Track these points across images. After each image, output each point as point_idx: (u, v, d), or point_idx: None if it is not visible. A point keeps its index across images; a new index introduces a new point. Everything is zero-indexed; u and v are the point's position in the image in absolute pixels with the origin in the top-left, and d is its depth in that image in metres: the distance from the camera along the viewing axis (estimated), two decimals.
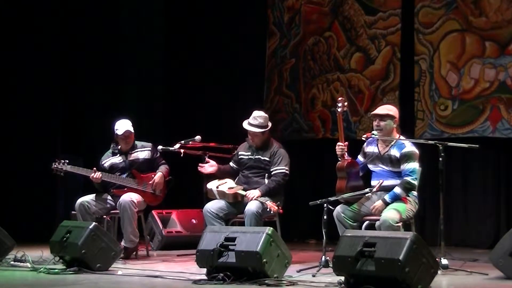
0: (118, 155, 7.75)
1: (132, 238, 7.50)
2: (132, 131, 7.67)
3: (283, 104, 10.00)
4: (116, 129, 7.65)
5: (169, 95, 10.80)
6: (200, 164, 7.38)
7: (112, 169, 7.69)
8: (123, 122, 7.68)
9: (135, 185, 7.63)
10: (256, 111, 7.29)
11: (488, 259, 6.19)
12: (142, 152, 7.78)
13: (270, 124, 7.31)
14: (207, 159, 7.38)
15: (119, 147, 7.76)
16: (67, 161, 7.62)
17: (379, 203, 6.39)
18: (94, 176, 7.48)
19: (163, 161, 7.82)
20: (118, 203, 7.47)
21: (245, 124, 7.26)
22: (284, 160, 7.23)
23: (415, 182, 6.42)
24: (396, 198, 6.37)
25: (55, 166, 7.58)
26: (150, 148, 7.82)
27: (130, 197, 7.46)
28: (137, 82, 10.60)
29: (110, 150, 7.79)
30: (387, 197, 6.38)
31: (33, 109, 9.87)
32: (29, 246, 7.47)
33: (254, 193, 7.00)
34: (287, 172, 7.22)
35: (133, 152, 7.76)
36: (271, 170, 7.23)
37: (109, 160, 7.75)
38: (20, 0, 9.91)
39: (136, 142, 7.80)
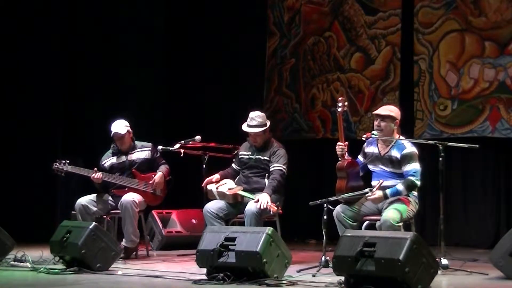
0: (118, 155, 7.76)
1: (132, 238, 7.50)
2: (123, 132, 7.63)
3: (283, 104, 10.01)
4: (110, 130, 7.67)
5: (169, 95, 10.81)
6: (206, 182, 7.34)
7: (112, 169, 7.70)
8: (116, 123, 7.68)
9: (135, 185, 7.63)
10: (252, 112, 7.28)
11: (488, 259, 6.19)
12: (142, 152, 7.79)
13: (268, 122, 7.31)
14: (207, 180, 7.33)
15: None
16: (68, 161, 7.63)
17: (378, 193, 6.36)
18: (95, 177, 7.48)
19: (163, 161, 7.83)
20: (119, 203, 7.48)
21: (244, 127, 7.24)
22: (282, 159, 7.20)
23: (419, 183, 6.41)
24: (397, 194, 6.36)
25: (56, 166, 7.58)
26: (150, 148, 7.82)
27: (132, 197, 7.46)
28: (137, 82, 10.60)
29: (110, 150, 7.80)
30: (388, 191, 6.36)
31: (33, 109, 9.86)
32: (29, 246, 7.46)
33: (264, 199, 6.86)
34: (284, 169, 7.16)
35: (133, 152, 7.77)
36: (270, 168, 7.22)
37: (109, 160, 7.76)
38: (20, 0, 9.91)
39: (136, 142, 7.81)
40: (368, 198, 6.39)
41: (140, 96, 10.59)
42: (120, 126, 7.65)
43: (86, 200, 7.52)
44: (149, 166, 7.77)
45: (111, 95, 10.28)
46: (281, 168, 7.16)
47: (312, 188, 9.54)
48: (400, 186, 6.38)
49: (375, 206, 6.50)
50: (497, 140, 8.45)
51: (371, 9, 9.38)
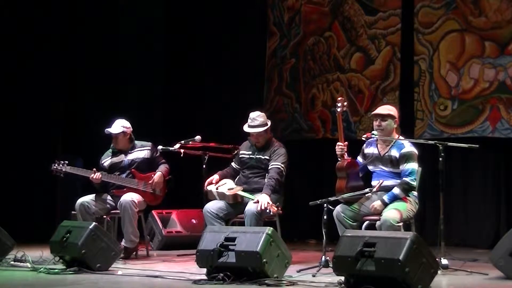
0: (118, 154, 7.76)
1: (132, 238, 7.50)
2: (116, 132, 7.63)
3: (283, 104, 10.00)
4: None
5: (169, 95, 10.80)
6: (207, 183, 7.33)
7: (112, 168, 7.70)
8: (115, 122, 7.70)
9: (135, 185, 7.62)
10: (252, 113, 7.27)
11: (488, 259, 6.19)
12: (142, 152, 7.79)
13: (269, 122, 7.30)
14: (207, 183, 7.32)
15: None
16: (67, 162, 7.63)
17: (377, 203, 6.39)
18: (94, 177, 7.48)
19: (163, 161, 7.82)
20: (118, 203, 7.47)
21: (246, 128, 7.23)
22: (281, 158, 7.18)
23: (414, 183, 6.43)
24: (395, 199, 6.38)
25: (55, 167, 7.59)
26: (149, 148, 7.82)
27: (131, 197, 7.46)
28: (137, 82, 10.60)
29: (110, 150, 7.80)
30: (385, 197, 6.38)
31: (33, 109, 9.87)
32: (29, 246, 7.47)
33: (263, 200, 6.83)
34: (281, 167, 7.12)
35: (132, 151, 7.77)
36: (268, 167, 7.20)
37: (108, 159, 7.76)
38: (20, 0, 9.91)
39: (136, 142, 7.81)
40: (371, 210, 6.41)
41: (140, 96, 10.58)
42: (115, 126, 7.67)
43: (87, 200, 7.52)
44: (148, 165, 7.77)
45: (111, 95, 10.28)
46: (278, 166, 7.13)
47: (312, 188, 9.53)
48: (396, 190, 6.39)
49: None
50: (497, 140, 8.45)
51: (371, 9, 9.37)
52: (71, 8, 10.26)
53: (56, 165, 7.59)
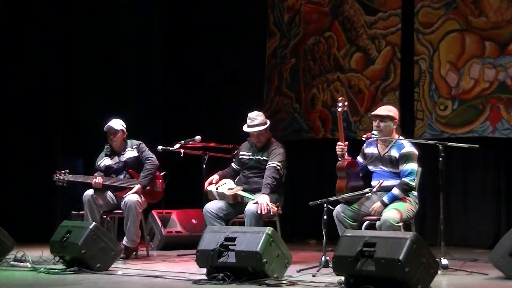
0: (112, 156, 7.74)
1: (134, 238, 7.51)
2: (117, 128, 7.62)
3: (283, 104, 10.00)
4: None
5: (169, 95, 10.81)
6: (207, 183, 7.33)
7: (107, 170, 7.69)
8: (112, 121, 7.69)
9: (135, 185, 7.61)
10: (250, 113, 7.26)
11: (488, 259, 6.19)
12: (132, 151, 7.75)
13: (268, 121, 7.30)
14: (207, 183, 7.32)
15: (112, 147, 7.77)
16: (67, 170, 7.63)
17: (377, 204, 6.39)
18: (96, 181, 7.47)
19: (149, 156, 7.68)
20: (123, 202, 7.45)
21: (246, 128, 7.23)
22: (278, 157, 7.15)
23: (413, 183, 6.42)
24: (394, 199, 6.38)
25: (57, 177, 7.59)
26: (137, 146, 7.78)
27: (136, 198, 7.45)
28: (137, 82, 10.60)
29: (104, 152, 7.78)
30: (385, 198, 6.38)
31: (33, 110, 9.87)
32: (29, 246, 7.47)
33: (263, 201, 6.84)
34: (278, 166, 7.09)
35: (124, 152, 7.74)
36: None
37: (103, 161, 7.74)
38: (21, 0, 9.92)
39: (128, 141, 7.78)
40: (371, 213, 6.41)
41: (140, 96, 10.59)
42: (115, 123, 7.66)
43: (92, 192, 7.51)
44: (140, 164, 7.73)
45: (111, 95, 10.29)
46: (274, 165, 7.10)
47: (312, 188, 9.54)
48: (395, 190, 6.39)
49: None
50: (497, 140, 8.45)
51: (371, 9, 9.37)
52: (72, 8, 10.26)
53: (58, 175, 7.60)
